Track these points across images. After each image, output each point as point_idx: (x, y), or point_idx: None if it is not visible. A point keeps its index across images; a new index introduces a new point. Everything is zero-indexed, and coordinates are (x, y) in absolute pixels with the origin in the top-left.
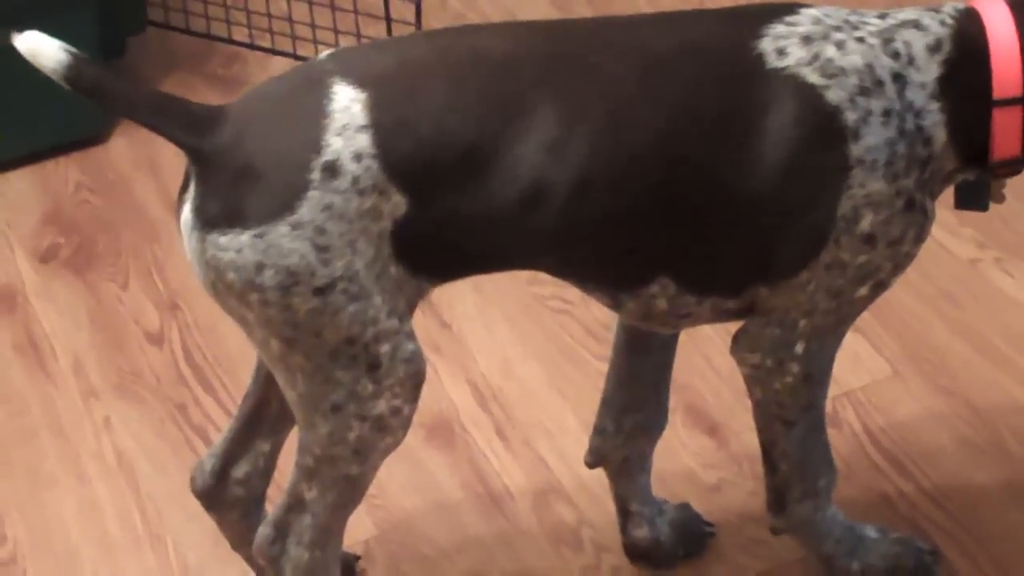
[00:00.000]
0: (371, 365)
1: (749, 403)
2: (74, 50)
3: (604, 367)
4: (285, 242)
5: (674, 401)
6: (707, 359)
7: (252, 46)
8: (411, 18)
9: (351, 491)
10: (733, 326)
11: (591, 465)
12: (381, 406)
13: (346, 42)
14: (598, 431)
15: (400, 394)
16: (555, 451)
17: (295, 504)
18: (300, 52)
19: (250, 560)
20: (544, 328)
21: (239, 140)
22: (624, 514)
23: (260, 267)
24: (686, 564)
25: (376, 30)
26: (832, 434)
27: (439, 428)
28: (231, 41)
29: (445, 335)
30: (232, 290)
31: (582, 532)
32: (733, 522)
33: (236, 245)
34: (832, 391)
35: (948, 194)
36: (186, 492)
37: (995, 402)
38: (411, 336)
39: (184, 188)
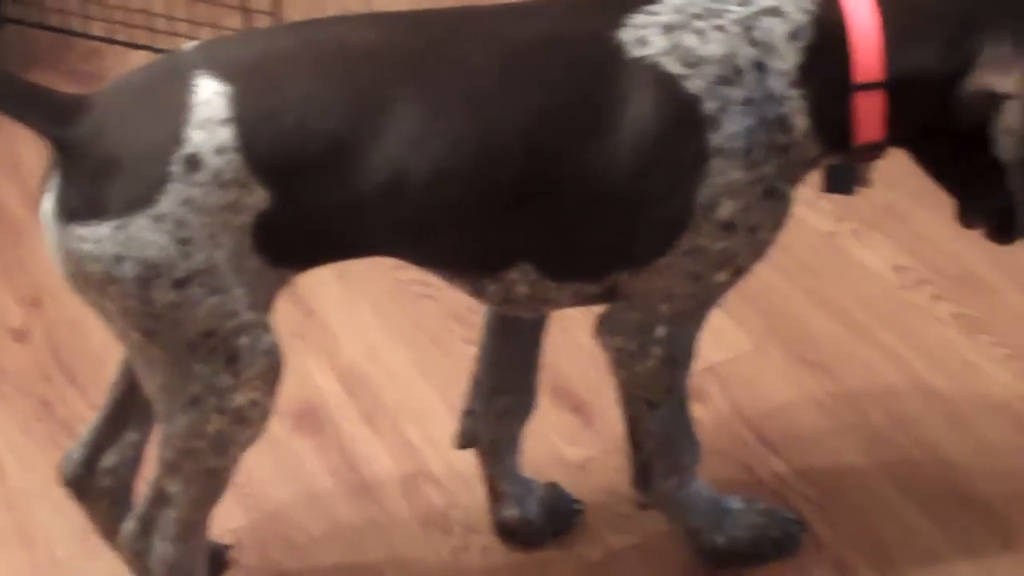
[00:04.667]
0: (230, 358)
1: (613, 381)
2: None
3: (469, 350)
4: (145, 234)
5: (540, 380)
6: (571, 338)
7: (110, 40)
8: (270, 8)
9: (213, 484)
10: (598, 307)
11: (461, 446)
12: (240, 399)
13: (205, 34)
14: (468, 413)
15: (259, 387)
16: (423, 435)
17: (158, 498)
18: (159, 45)
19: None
20: (408, 313)
21: (101, 130)
22: (494, 495)
23: (119, 259)
24: (556, 542)
25: (235, 21)
26: (697, 409)
27: (306, 416)
28: (88, 36)
29: (309, 322)
30: (92, 282)
31: (451, 515)
32: (601, 499)
33: (96, 236)
34: (696, 366)
35: None
36: (54, 488)
37: (855, 372)
38: (270, 328)
39: (46, 179)
